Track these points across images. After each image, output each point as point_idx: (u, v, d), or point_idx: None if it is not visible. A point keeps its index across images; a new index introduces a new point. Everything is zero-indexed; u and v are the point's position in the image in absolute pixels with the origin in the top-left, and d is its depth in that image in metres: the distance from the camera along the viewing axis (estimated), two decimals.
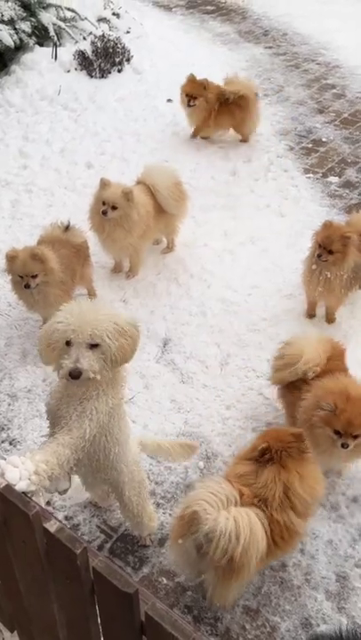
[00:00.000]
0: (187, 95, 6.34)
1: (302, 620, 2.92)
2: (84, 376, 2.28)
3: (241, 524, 2.45)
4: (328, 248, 4.10)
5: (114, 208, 4.47)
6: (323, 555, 3.17)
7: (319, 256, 4.14)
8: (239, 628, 2.88)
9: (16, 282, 4.10)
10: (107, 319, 2.34)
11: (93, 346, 2.30)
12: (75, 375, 2.26)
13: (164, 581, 3.05)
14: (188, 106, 6.37)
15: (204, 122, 6.52)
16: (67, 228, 4.39)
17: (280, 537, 2.70)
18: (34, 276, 4.00)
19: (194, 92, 6.30)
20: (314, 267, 4.23)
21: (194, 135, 6.74)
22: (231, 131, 6.75)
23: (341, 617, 2.92)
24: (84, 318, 2.30)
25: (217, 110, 6.41)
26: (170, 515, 3.33)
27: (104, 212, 4.47)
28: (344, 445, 3.08)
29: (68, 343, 2.31)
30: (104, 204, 4.47)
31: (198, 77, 6.41)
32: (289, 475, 2.71)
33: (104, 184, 4.50)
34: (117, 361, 2.36)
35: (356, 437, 3.08)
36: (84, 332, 2.28)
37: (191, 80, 6.35)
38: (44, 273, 4.02)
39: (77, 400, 2.37)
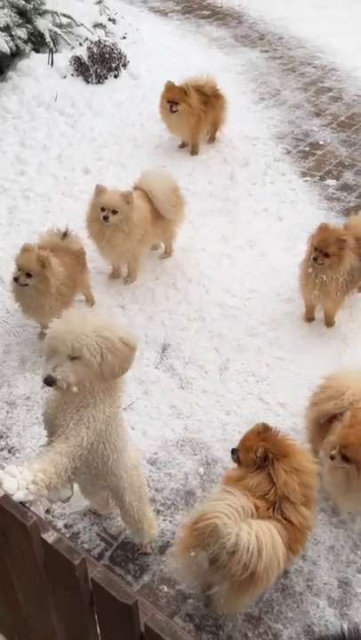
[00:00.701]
0: (168, 101, 6.28)
1: (305, 627, 2.90)
2: (58, 385, 2.29)
3: (263, 540, 2.43)
4: (324, 251, 4.08)
5: (114, 212, 4.46)
6: (325, 561, 3.15)
7: (315, 259, 4.12)
8: (241, 636, 2.86)
9: (14, 275, 4.10)
10: (93, 332, 2.31)
11: (75, 357, 2.30)
12: (47, 383, 2.31)
13: (165, 589, 3.02)
14: (171, 112, 6.31)
15: (196, 129, 6.47)
16: (65, 234, 4.38)
17: (295, 541, 2.70)
18: (28, 275, 3.99)
19: (175, 97, 6.27)
20: (310, 270, 4.22)
21: (193, 152, 6.64)
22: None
23: (344, 623, 2.89)
24: (70, 329, 2.30)
25: (205, 111, 6.40)
26: (170, 522, 3.31)
27: (105, 218, 4.45)
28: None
29: (54, 351, 2.33)
30: (103, 209, 4.46)
31: (199, 81, 6.44)
32: (287, 471, 2.72)
33: (100, 190, 4.49)
34: (105, 375, 2.35)
35: None
36: (66, 342, 2.29)
37: (170, 86, 6.30)
38: (39, 278, 4.01)
39: (74, 408, 2.36)
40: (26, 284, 4.02)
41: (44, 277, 4.01)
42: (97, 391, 2.37)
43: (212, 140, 6.81)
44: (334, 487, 3.12)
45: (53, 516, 3.32)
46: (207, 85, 6.48)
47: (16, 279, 4.02)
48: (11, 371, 4.21)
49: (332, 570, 3.11)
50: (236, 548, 2.39)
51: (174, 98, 6.26)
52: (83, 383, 2.32)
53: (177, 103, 6.26)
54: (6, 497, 1.93)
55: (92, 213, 4.56)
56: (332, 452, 2.99)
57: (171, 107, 6.28)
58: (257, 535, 2.42)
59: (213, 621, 2.90)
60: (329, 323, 4.50)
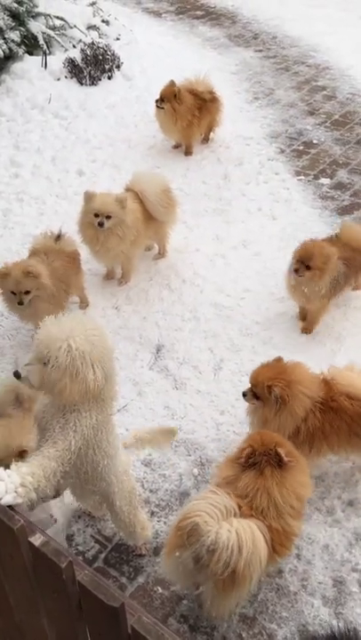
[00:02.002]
0: (160, 96, 6.36)
1: (299, 626, 2.89)
2: (22, 382, 2.37)
3: (243, 537, 2.43)
4: (306, 263, 4.08)
5: (108, 217, 4.45)
6: (319, 560, 3.14)
7: (296, 270, 4.12)
8: (236, 636, 2.86)
9: (8, 298, 4.07)
10: (66, 350, 2.28)
11: (46, 363, 2.32)
12: (15, 376, 2.39)
13: (160, 590, 3.02)
14: (157, 106, 6.38)
15: (188, 132, 6.49)
16: (58, 237, 4.38)
17: (280, 545, 2.69)
18: (26, 292, 3.98)
19: (164, 95, 6.32)
20: (293, 282, 4.23)
21: (187, 152, 6.66)
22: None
23: (339, 623, 2.89)
24: (53, 336, 2.31)
25: (199, 115, 6.42)
26: (165, 523, 3.30)
27: (100, 224, 4.44)
28: None
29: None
30: (97, 215, 4.44)
31: (196, 84, 6.47)
32: (269, 481, 2.70)
33: (90, 196, 4.47)
34: (52, 394, 2.35)
35: None
36: (40, 347, 2.32)
37: (168, 84, 6.36)
38: (36, 288, 4.00)
39: (61, 412, 2.36)
40: (29, 301, 4.02)
41: (40, 286, 4.01)
42: (63, 402, 2.38)
43: (205, 140, 6.82)
44: (254, 425, 3.35)
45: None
46: (205, 90, 6.49)
47: (20, 303, 3.99)
48: (5, 373, 4.20)
49: (326, 569, 3.10)
50: (215, 546, 2.38)
51: (163, 95, 6.32)
52: (44, 388, 2.36)
53: (163, 101, 6.30)
54: None
55: (85, 219, 4.55)
56: (245, 390, 3.34)
57: (157, 101, 6.35)
58: (237, 532, 2.42)
59: (208, 622, 2.90)
60: (308, 328, 4.46)
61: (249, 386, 3.33)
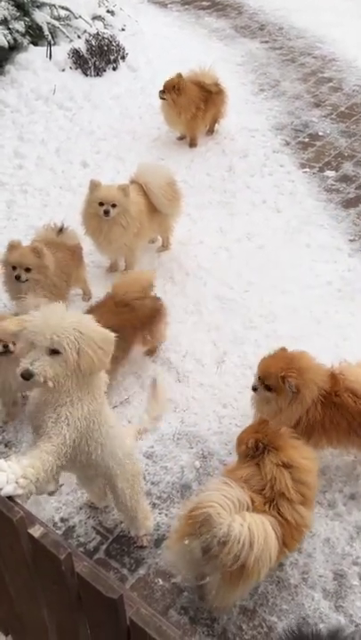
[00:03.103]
0: (162, 88, 6.36)
1: (300, 619, 2.89)
2: (35, 379, 2.26)
3: (256, 533, 2.43)
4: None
5: (113, 206, 4.44)
6: (320, 553, 3.14)
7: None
8: (236, 628, 2.86)
9: (9, 274, 4.09)
10: (71, 326, 2.29)
11: (54, 351, 2.28)
12: (25, 377, 2.26)
13: (161, 582, 3.03)
14: (160, 98, 6.39)
15: (192, 124, 6.48)
16: (60, 230, 4.38)
17: (291, 537, 2.70)
18: (27, 270, 3.99)
19: (166, 87, 6.32)
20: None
21: (192, 144, 6.63)
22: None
23: (339, 616, 2.90)
24: (48, 322, 2.28)
25: (204, 108, 6.40)
26: (166, 515, 3.31)
27: (106, 212, 4.42)
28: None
29: (32, 344, 2.31)
30: (101, 204, 4.43)
31: (202, 76, 6.45)
32: (282, 468, 2.72)
33: (95, 185, 4.47)
34: (83, 371, 2.33)
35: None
36: (45, 336, 2.26)
37: (174, 77, 6.34)
38: (37, 270, 4.01)
39: (52, 407, 2.36)
40: (26, 280, 4.02)
41: (42, 268, 4.02)
42: (73, 389, 2.35)
43: (210, 132, 6.79)
44: (264, 417, 3.21)
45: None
46: (211, 82, 6.45)
47: (18, 277, 4.01)
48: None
49: (327, 562, 3.11)
50: (227, 539, 2.39)
51: (165, 86, 6.32)
52: (59, 378, 2.30)
53: (164, 92, 6.31)
54: None
55: (90, 209, 4.54)
56: (255, 384, 3.28)
57: (160, 92, 6.37)
58: (249, 527, 2.42)
59: (208, 614, 2.91)
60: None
61: (257, 379, 3.31)
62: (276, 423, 3.01)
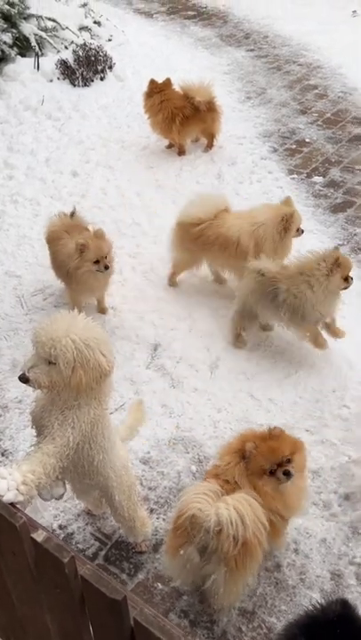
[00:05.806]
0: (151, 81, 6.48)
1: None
2: (30, 385, 2.35)
3: (242, 509, 2.51)
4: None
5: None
6: (317, 554, 3.18)
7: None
8: (235, 630, 2.89)
9: (89, 271, 4.14)
10: (72, 343, 2.30)
11: (52, 362, 2.32)
12: (21, 380, 2.37)
13: (160, 586, 3.05)
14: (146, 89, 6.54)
15: (165, 126, 6.48)
16: (72, 214, 4.50)
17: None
18: (106, 256, 4.13)
19: (155, 86, 6.43)
20: None
21: (180, 152, 6.68)
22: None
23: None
24: (51, 334, 2.31)
25: (185, 121, 6.37)
26: (163, 520, 3.33)
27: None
28: None
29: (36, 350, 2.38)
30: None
31: (196, 91, 6.43)
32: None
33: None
34: (71, 387, 2.35)
35: None
36: (45, 347, 2.31)
37: (166, 79, 6.45)
38: (108, 251, 4.19)
39: (58, 409, 2.39)
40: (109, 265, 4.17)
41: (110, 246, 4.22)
42: (80, 394, 2.39)
43: (208, 147, 6.71)
44: None
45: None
46: (202, 99, 6.37)
47: (107, 267, 4.13)
48: (2, 374, 4.22)
49: (324, 563, 3.14)
50: (220, 526, 2.46)
51: (153, 83, 6.45)
52: (55, 386, 2.35)
53: (152, 82, 6.47)
54: None
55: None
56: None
57: (149, 82, 6.52)
58: (235, 507, 2.51)
59: (208, 617, 2.93)
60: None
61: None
62: None
